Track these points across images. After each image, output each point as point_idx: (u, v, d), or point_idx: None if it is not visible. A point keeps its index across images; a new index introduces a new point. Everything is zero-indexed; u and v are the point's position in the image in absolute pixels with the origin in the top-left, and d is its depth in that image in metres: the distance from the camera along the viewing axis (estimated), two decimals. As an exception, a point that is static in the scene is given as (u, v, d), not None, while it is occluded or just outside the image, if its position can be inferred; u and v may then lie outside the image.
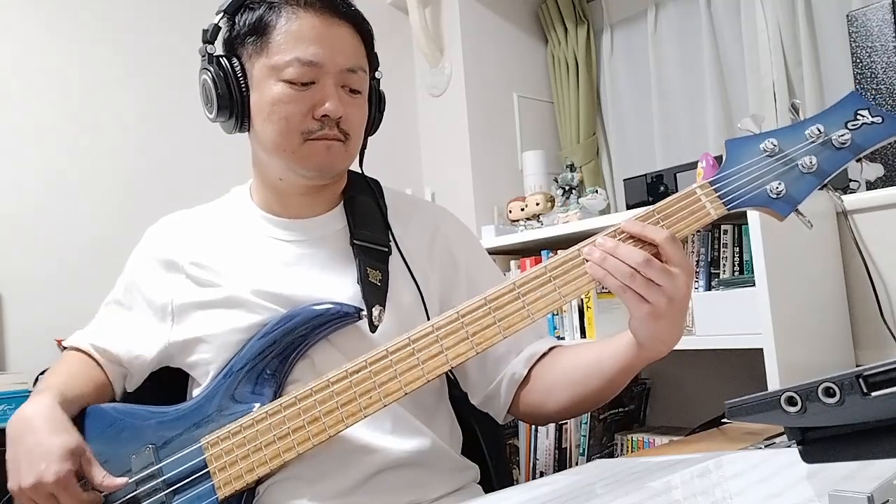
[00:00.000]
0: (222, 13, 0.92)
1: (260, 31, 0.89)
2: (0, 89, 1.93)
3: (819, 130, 0.77)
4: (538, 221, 2.27)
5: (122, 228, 1.90)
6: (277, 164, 0.93)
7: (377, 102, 0.99)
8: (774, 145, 0.78)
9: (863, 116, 0.76)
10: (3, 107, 1.93)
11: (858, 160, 0.78)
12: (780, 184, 0.77)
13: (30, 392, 1.61)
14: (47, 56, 2.01)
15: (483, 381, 0.98)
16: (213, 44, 0.92)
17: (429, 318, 0.92)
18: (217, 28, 0.92)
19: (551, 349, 0.98)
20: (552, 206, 2.27)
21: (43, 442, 0.83)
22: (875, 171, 0.79)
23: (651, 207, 0.80)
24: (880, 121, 0.76)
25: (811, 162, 0.77)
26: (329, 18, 0.89)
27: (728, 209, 0.79)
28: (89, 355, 1.00)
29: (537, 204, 2.29)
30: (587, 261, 0.78)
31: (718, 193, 0.79)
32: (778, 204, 0.78)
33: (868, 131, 0.76)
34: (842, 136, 0.76)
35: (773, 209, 0.78)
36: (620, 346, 0.85)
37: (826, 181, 0.78)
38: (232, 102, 0.90)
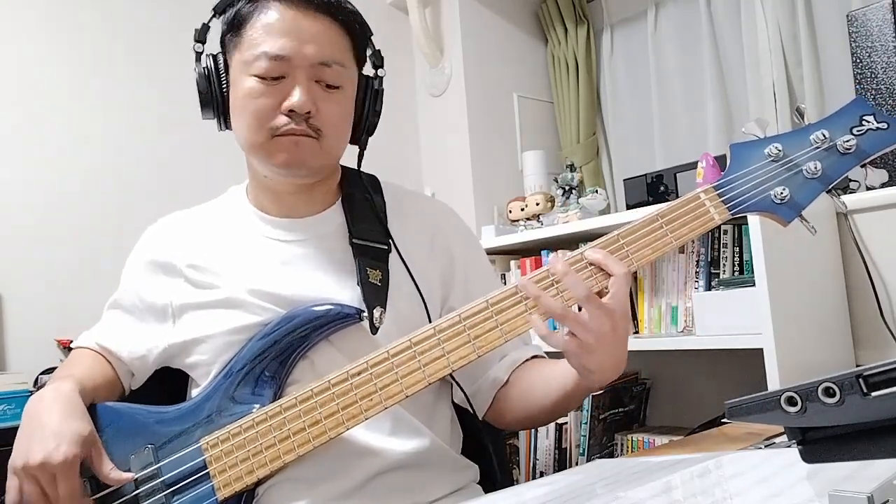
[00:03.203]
0: (213, 12, 0.93)
1: (236, 26, 0.90)
2: (0, 89, 1.93)
3: (824, 136, 0.77)
4: (538, 221, 2.27)
5: (123, 229, 1.90)
6: (255, 161, 0.94)
7: (372, 100, 0.96)
8: (779, 150, 0.78)
9: (868, 122, 0.76)
10: (3, 107, 1.93)
11: (863, 166, 0.78)
12: (784, 189, 0.77)
13: (30, 392, 1.62)
14: (47, 57, 2.01)
15: (465, 382, 0.98)
16: (202, 42, 0.93)
17: (429, 316, 0.92)
18: (206, 27, 0.93)
19: (532, 358, 0.99)
20: (552, 206, 2.27)
21: (57, 423, 0.83)
22: (880, 176, 0.79)
23: (655, 212, 0.80)
24: (886, 126, 0.76)
25: (816, 167, 0.76)
26: (302, 11, 0.88)
27: (732, 214, 0.79)
28: (97, 353, 1.00)
29: (537, 204, 2.29)
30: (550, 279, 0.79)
31: (723, 198, 0.79)
32: (782, 209, 0.77)
33: (873, 137, 0.76)
34: (847, 141, 0.76)
35: (777, 214, 0.78)
36: (563, 372, 0.86)
37: (830, 186, 0.77)
38: (212, 99, 0.91)
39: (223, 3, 0.92)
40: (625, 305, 0.78)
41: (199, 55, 0.92)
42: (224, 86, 0.91)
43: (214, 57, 0.92)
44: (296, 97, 0.86)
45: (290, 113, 0.87)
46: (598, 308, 0.76)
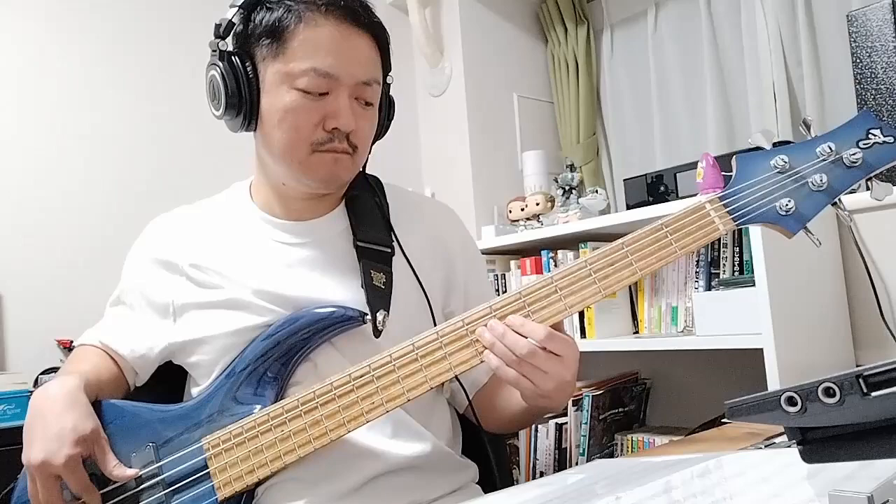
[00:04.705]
0: (237, 8, 0.89)
1: (277, 34, 0.87)
2: (0, 88, 1.93)
3: (830, 149, 0.77)
4: (538, 221, 2.27)
5: (123, 228, 1.89)
6: (282, 171, 0.93)
7: (387, 108, 0.98)
8: (785, 162, 0.78)
9: (875, 136, 0.76)
10: (3, 106, 1.93)
11: (868, 179, 0.78)
12: (789, 201, 0.77)
13: (30, 392, 1.62)
14: (47, 55, 2.01)
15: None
16: (225, 39, 0.89)
17: (434, 319, 0.93)
18: (231, 24, 0.89)
19: None
20: (552, 206, 2.27)
21: (59, 423, 0.83)
22: (885, 190, 0.79)
23: (659, 222, 0.81)
24: (892, 140, 0.76)
25: (822, 180, 0.77)
26: (349, 28, 0.87)
27: (737, 225, 0.79)
28: (101, 350, 1.00)
29: (537, 204, 2.28)
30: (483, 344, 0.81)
31: (728, 209, 0.79)
32: (787, 221, 0.78)
33: (880, 151, 0.76)
34: (853, 154, 0.76)
35: (782, 226, 0.78)
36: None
37: (836, 199, 0.78)
38: (241, 102, 0.88)
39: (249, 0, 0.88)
40: (573, 347, 0.80)
41: (223, 53, 0.88)
42: (255, 91, 0.88)
43: (240, 57, 0.88)
44: (342, 117, 0.87)
45: (334, 131, 0.87)
46: (547, 358, 0.78)
